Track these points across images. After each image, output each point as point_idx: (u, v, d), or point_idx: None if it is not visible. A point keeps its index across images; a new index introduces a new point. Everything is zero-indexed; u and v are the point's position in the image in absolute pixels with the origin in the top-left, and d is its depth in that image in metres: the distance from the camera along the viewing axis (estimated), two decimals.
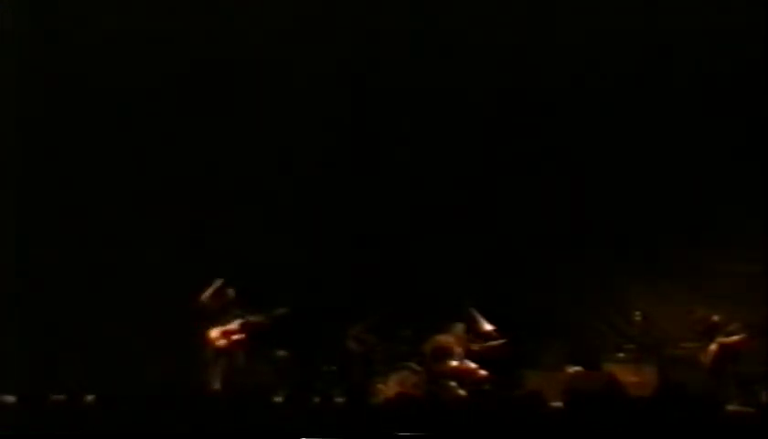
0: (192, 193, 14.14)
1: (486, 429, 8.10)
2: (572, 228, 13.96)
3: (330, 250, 14.09)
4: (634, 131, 13.83)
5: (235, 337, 12.45)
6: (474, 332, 12.95)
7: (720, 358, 12.34)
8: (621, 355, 12.82)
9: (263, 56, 14.23)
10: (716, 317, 12.60)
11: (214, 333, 12.41)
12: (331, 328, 13.31)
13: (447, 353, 12.68)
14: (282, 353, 13.12)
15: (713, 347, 12.41)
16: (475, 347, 12.90)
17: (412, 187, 14.20)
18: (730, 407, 10.81)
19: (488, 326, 12.94)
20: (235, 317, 12.50)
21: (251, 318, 12.51)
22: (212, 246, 13.93)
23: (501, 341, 12.88)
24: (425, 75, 14.08)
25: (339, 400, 10.89)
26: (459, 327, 12.90)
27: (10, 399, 9.77)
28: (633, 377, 12.11)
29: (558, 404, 9.26)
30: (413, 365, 12.62)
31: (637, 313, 13.20)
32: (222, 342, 12.41)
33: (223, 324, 12.45)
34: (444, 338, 12.81)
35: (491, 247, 13.96)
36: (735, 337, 12.37)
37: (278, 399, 10.99)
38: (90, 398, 10.72)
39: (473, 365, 12.70)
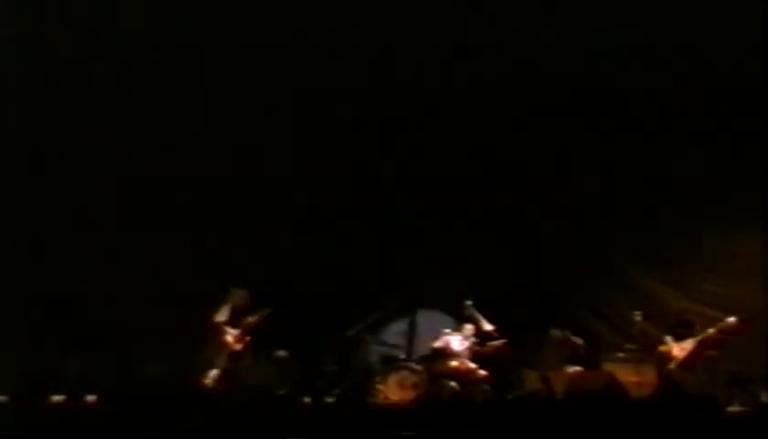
0: (191, 194, 14.14)
1: (486, 429, 8.10)
2: (572, 227, 13.98)
3: (330, 250, 14.10)
4: (634, 131, 13.84)
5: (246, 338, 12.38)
6: (475, 332, 12.96)
7: (695, 354, 12.37)
8: (621, 355, 12.81)
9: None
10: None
11: (229, 337, 12.34)
12: (331, 328, 13.31)
13: (451, 352, 12.72)
14: (282, 353, 13.11)
15: (689, 343, 12.44)
16: (476, 347, 12.92)
17: (412, 186, 14.21)
18: (731, 407, 10.83)
19: (488, 326, 12.95)
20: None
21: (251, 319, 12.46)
22: (211, 247, 13.93)
23: (501, 341, 12.89)
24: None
25: (339, 400, 10.93)
26: (468, 329, 12.92)
27: (7, 399, 9.81)
28: (633, 377, 12.08)
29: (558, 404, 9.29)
30: (413, 365, 12.63)
31: (637, 313, 13.19)
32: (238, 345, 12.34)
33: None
34: (451, 338, 12.85)
35: (491, 247, 13.98)
36: (712, 330, 12.36)
37: (278, 399, 11.05)
38: (90, 398, 10.76)
39: (472, 365, 12.71)
